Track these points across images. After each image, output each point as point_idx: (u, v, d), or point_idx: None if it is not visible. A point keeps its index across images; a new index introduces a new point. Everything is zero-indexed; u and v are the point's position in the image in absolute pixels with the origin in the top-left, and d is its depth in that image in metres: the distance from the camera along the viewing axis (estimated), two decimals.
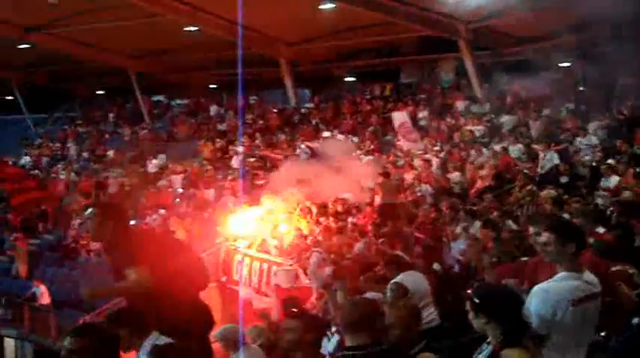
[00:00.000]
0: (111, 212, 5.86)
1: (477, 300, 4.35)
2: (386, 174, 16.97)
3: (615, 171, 13.05)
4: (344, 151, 19.85)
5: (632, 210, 10.01)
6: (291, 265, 13.98)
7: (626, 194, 11.13)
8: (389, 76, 29.53)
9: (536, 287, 4.50)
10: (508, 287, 5.45)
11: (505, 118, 21.28)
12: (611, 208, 10.68)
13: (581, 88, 22.24)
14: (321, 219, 15.95)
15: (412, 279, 8.15)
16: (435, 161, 18.67)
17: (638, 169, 11.99)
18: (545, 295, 4.42)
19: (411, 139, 20.03)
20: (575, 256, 4.57)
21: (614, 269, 7.22)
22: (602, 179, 13.21)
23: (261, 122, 28.33)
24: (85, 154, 29.58)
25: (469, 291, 4.48)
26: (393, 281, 8.08)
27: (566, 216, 9.66)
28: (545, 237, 4.65)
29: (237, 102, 28.98)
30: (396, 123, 20.54)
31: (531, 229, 5.84)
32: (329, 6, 23.41)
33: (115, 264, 5.72)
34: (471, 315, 4.40)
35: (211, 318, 6.01)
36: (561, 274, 4.52)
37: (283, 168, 19.58)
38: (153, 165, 26.27)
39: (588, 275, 4.60)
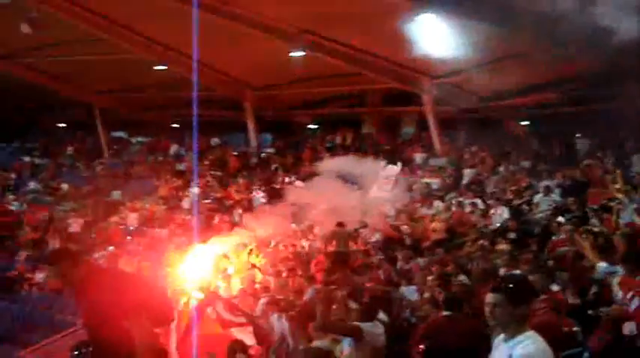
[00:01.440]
0: (60, 256, 5.89)
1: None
2: (340, 224, 16.92)
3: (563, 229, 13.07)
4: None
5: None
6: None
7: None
8: (351, 125, 29.69)
9: (523, 354, 4.30)
10: None
11: (466, 172, 21.44)
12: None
13: (537, 147, 22.55)
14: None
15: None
16: (389, 212, 18.64)
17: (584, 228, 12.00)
18: None
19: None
20: (524, 318, 4.43)
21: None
22: (553, 237, 13.24)
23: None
24: (39, 186, 29.05)
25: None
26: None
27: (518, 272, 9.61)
28: (492, 298, 4.47)
29: (197, 142, 28.82)
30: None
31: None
32: (299, 53, 23.54)
33: (84, 305, 5.71)
34: None
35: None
36: (531, 335, 4.38)
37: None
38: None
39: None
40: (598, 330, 6.94)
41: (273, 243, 17.07)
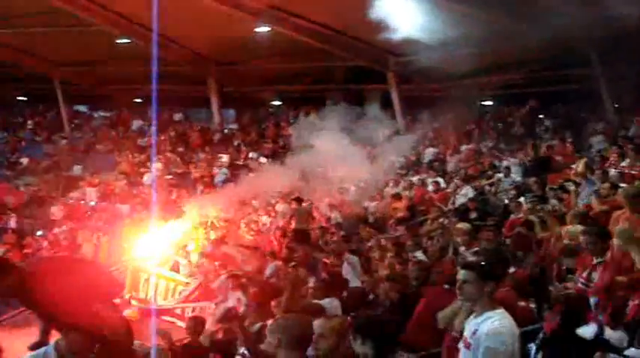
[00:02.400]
0: None
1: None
2: (298, 201, 16.90)
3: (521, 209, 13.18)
4: None
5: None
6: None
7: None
8: (315, 102, 29.55)
9: (487, 330, 4.37)
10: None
11: (427, 151, 21.50)
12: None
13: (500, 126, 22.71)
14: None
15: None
16: (352, 189, 18.66)
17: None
18: (503, 338, 4.34)
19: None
20: (492, 295, 4.50)
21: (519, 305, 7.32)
22: (512, 216, 13.34)
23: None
24: None
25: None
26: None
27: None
28: (462, 274, 4.54)
29: (160, 117, 28.55)
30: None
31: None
32: (264, 29, 23.32)
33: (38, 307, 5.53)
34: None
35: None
36: (500, 313, 4.45)
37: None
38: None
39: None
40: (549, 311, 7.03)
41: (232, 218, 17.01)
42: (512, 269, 8.85)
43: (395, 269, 10.24)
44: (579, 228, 8.83)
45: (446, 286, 7.14)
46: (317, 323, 4.52)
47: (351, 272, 12.03)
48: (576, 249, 8.13)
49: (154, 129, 28.24)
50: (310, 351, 4.64)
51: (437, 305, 6.59)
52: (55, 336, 5.40)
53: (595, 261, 6.84)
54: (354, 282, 11.07)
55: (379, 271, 10.81)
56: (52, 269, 6.04)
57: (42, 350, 5.21)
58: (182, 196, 19.95)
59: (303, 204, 17.03)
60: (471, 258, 4.73)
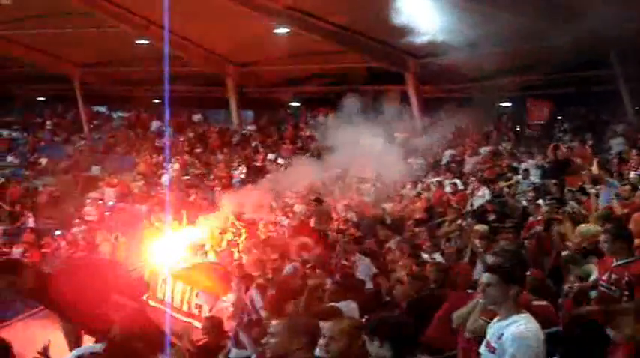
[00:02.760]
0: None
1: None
2: (318, 201, 16.85)
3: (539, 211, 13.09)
4: None
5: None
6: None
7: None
8: (333, 103, 29.53)
9: (513, 334, 4.31)
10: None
11: (445, 153, 21.41)
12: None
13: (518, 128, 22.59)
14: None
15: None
16: (370, 191, 18.63)
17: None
18: (529, 342, 4.28)
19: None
20: (516, 298, 4.45)
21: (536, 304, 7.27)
22: (531, 218, 13.26)
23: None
24: (17, 161, 28.77)
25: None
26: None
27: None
28: (486, 277, 4.49)
29: (178, 118, 28.65)
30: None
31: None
32: (283, 30, 23.33)
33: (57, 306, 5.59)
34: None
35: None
36: (525, 316, 4.40)
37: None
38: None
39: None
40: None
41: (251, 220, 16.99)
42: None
43: (412, 270, 10.17)
44: (592, 228, 8.79)
45: (469, 291, 7.11)
46: (327, 326, 4.46)
47: (363, 274, 12.05)
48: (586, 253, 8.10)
49: (167, 129, 28.28)
50: (322, 353, 4.60)
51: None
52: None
53: (615, 262, 6.70)
54: (368, 284, 11.07)
55: (397, 272, 10.72)
56: (70, 270, 6.05)
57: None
58: (201, 197, 19.91)
59: (323, 205, 16.97)
60: (495, 261, 4.60)
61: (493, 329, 4.49)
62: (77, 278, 5.66)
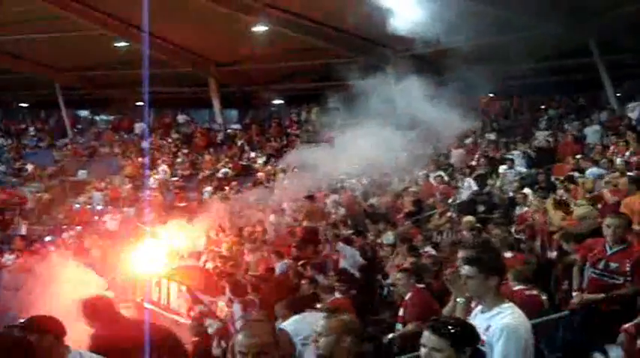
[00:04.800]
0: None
1: None
2: (311, 198, 16.92)
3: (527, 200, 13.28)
4: None
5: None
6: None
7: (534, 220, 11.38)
8: (317, 100, 29.61)
9: (502, 326, 4.26)
10: None
11: (430, 145, 21.47)
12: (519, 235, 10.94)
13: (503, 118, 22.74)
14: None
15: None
16: (357, 186, 18.70)
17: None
18: (518, 334, 4.27)
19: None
20: (498, 289, 4.46)
21: (528, 293, 7.46)
22: (517, 208, 13.45)
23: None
24: (3, 167, 28.65)
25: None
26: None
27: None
28: (466, 270, 4.48)
29: (162, 120, 28.62)
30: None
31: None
32: (261, 28, 23.35)
33: None
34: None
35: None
36: (509, 306, 4.40)
37: None
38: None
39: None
40: None
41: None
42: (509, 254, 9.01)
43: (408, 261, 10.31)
44: (587, 209, 9.02)
45: None
46: (319, 323, 4.45)
47: (346, 263, 12.20)
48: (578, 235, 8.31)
49: (145, 129, 28.23)
50: (313, 347, 4.61)
51: None
52: None
53: (610, 250, 6.83)
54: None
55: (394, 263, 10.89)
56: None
57: None
58: (190, 198, 19.96)
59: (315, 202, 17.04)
60: (472, 253, 4.60)
61: (477, 321, 4.42)
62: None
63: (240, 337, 3.90)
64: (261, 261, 14.05)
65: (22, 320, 4.38)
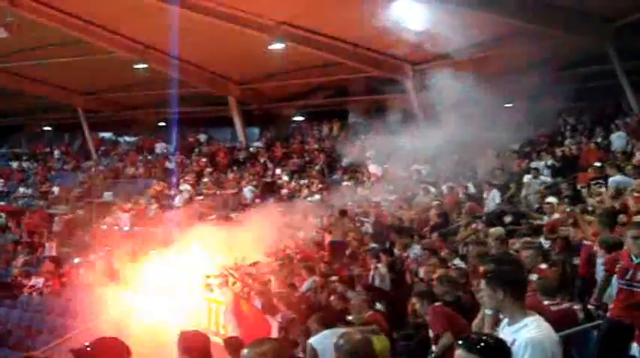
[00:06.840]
0: None
1: None
2: (343, 212, 17.02)
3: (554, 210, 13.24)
4: None
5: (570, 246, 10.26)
6: None
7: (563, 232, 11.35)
8: (337, 115, 29.78)
9: (527, 340, 4.24)
10: None
11: (453, 157, 21.48)
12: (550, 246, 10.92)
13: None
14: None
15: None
16: (383, 200, 18.77)
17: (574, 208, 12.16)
18: (543, 347, 4.24)
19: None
20: (514, 302, 4.42)
21: (557, 309, 7.41)
22: (545, 217, 13.42)
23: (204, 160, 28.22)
24: (30, 191, 29.02)
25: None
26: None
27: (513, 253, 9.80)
28: (481, 283, 4.53)
29: (184, 140, 28.87)
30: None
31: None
32: (278, 46, 23.54)
33: None
34: None
35: None
36: (535, 319, 4.38)
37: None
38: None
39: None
40: None
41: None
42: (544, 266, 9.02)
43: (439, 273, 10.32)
44: None
45: None
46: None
47: (381, 283, 12.26)
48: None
49: (173, 150, 28.46)
50: None
51: None
52: None
53: (637, 259, 6.89)
54: None
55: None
56: None
57: None
58: (216, 216, 20.03)
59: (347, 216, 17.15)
60: (485, 267, 4.60)
61: (504, 334, 4.39)
62: None
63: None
64: (287, 276, 14.01)
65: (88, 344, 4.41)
